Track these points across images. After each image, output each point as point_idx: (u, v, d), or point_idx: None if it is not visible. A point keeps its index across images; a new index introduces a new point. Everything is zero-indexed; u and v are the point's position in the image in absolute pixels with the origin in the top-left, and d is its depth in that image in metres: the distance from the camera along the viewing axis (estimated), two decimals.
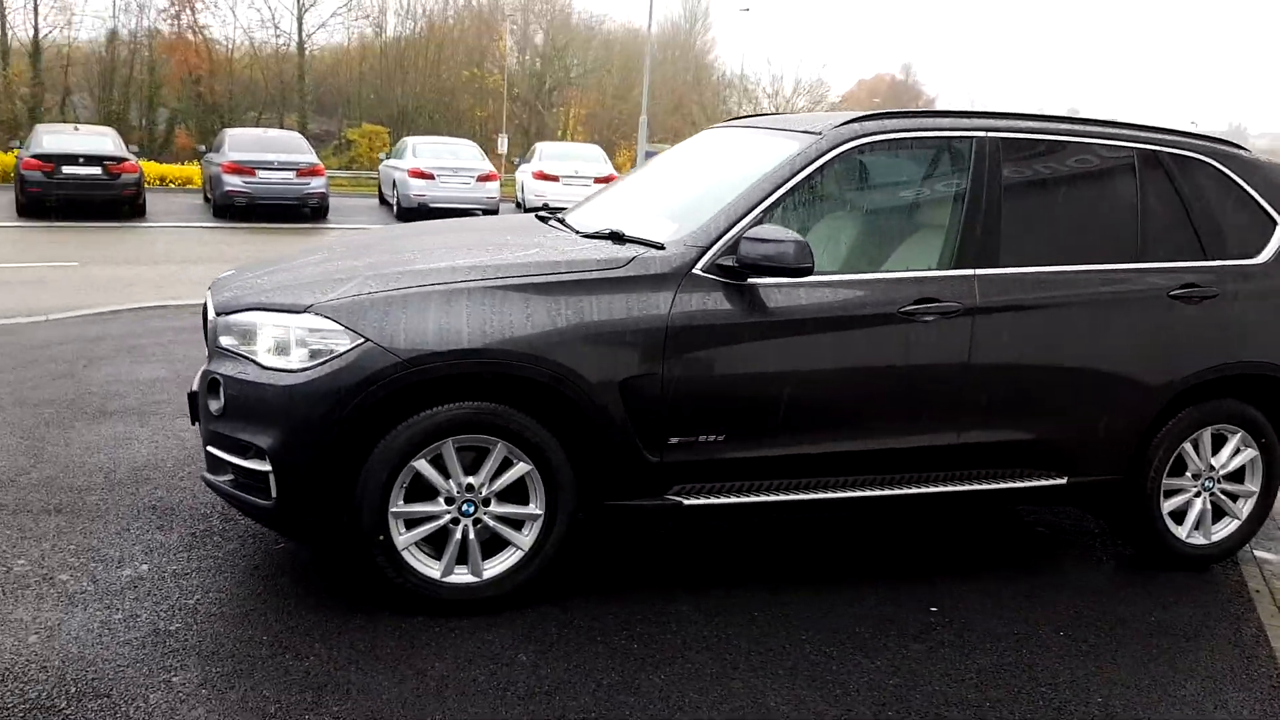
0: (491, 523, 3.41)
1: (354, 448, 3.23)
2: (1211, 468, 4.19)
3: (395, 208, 19.11)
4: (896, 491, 3.77)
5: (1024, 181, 3.95)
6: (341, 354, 3.19)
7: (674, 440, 3.49)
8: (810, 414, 3.63)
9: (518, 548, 3.44)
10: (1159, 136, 4.18)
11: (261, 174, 16.33)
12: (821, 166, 3.69)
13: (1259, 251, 4.19)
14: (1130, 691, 3.22)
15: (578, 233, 3.97)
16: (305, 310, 3.27)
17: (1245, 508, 4.28)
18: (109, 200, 15.71)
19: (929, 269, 3.78)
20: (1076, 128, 4.09)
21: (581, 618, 3.44)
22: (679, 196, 4.02)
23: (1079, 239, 3.98)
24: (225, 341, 3.41)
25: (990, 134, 3.88)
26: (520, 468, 3.38)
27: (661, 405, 3.44)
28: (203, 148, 21.79)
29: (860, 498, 3.74)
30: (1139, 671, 3.35)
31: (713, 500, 3.57)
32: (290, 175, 16.56)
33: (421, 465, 3.28)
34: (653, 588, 3.72)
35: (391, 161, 20.33)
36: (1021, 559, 4.29)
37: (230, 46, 41.13)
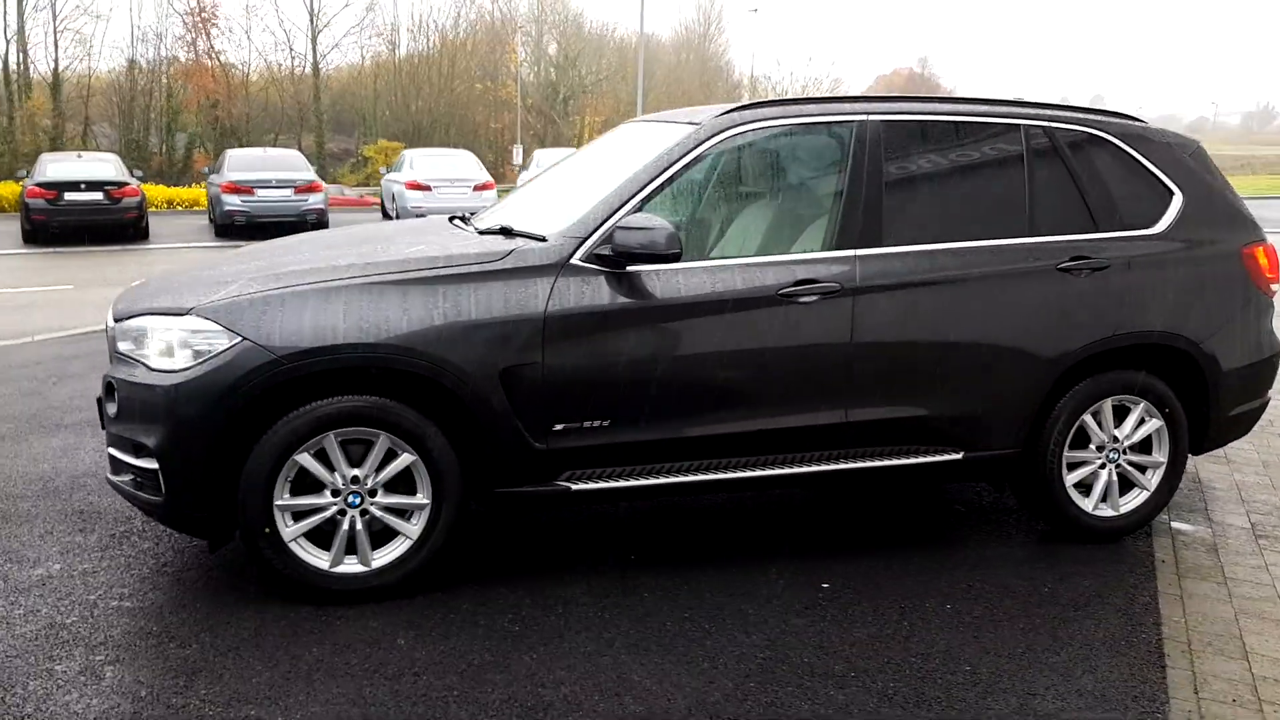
0: (378, 513, 3.52)
1: (236, 443, 3.35)
2: (1115, 439, 4.22)
3: (396, 220, 19.37)
4: (788, 470, 3.84)
5: (908, 163, 4.01)
6: (220, 353, 3.31)
7: (559, 427, 3.58)
8: (695, 397, 3.70)
9: (406, 537, 3.55)
10: (1050, 113, 4.22)
11: (260, 192, 16.68)
12: (699, 156, 3.78)
13: (1155, 221, 4.21)
14: (1001, 659, 3.26)
15: (475, 230, 4.08)
16: (188, 313, 3.40)
17: (1154, 479, 4.29)
18: (111, 224, 16.10)
19: (810, 251, 3.85)
20: (962, 108, 4.14)
21: (469, 603, 3.54)
22: (573, 191, 4.11)
23: (966, 217, 4.02)
24: (122, 347, 3.55)
25: (870, 117, 3.95)
26: (404, 459, 3.49)
27: (544, 393, 3.53)
28: (206, 169, 22.20)
29: (753, 478, 3.81)
30: (1016, 640, 3.39)
31: (601, 485, 3.65)
32: (288, 193, 16.89)
33: (304, 459, 3.40)
34: (549, 572, 3.81)
35: (391, 175, 20.61)
36: (931, 535, 4.33)
37: (246, 70, 41.83)
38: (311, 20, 41.68)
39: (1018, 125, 4.12)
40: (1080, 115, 4.27)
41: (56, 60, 36.96)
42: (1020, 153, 4.09)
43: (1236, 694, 3.09)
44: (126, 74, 38.78)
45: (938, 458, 3.99)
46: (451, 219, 4.59)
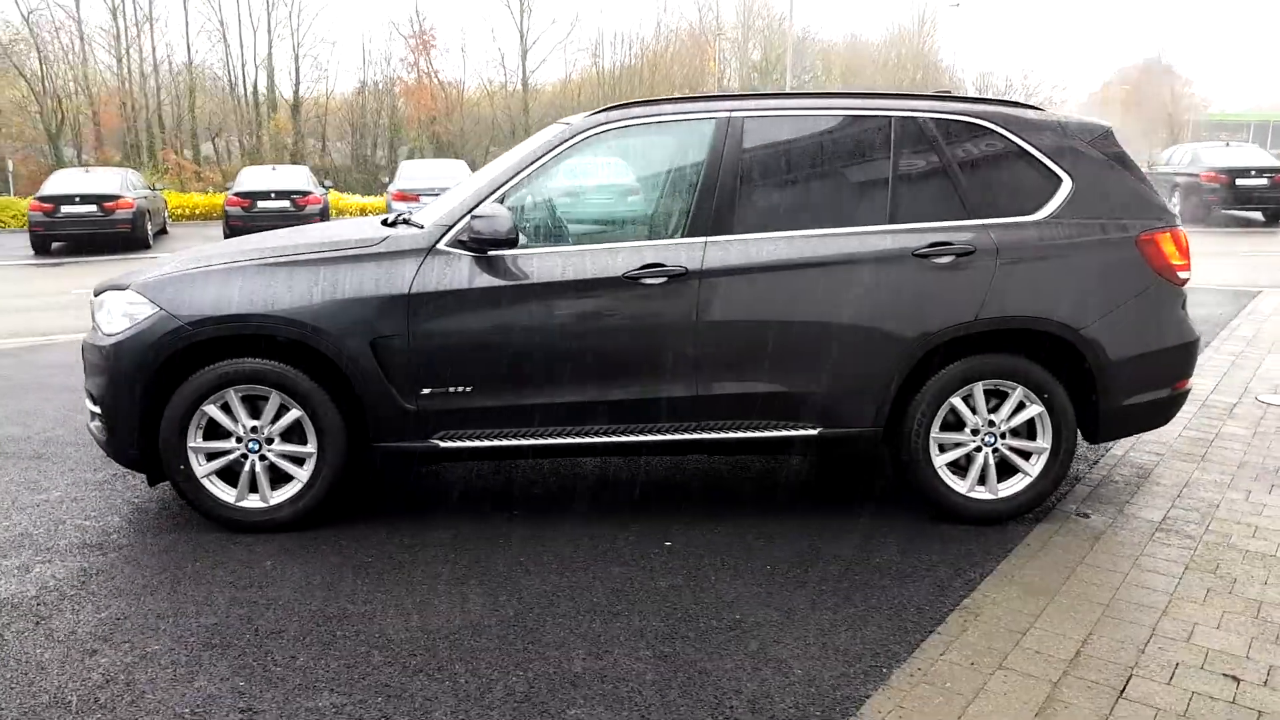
0: (274, 459, 4.18)
1: (158, 395, 4.10)
2: (991, 423, 4.28)
3: None
4: (646, 438, 4.20)
5: (769, 156, 4.27)
6: (143, 320, 4.08)
7: (426, 391, 4.12)
8: (550, 369, 4.13)
9: (298, 480, 4.19)
10: (930, 105, 4.35)
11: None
12: (563, 151, 4.22)
13: (1038, 208, 4.25)
14: (773, 613, 3.50)
15: (383, 223, 4.68)
16: (127, 288, 4.20)
17: (1037, 464, 4.32)
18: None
19: (662, 238, 4.20)
20: (832, 103, 4.35)
21: (346, 539, 4.14)
22: (470, 184, 4.62)
23: (823, 206, 4.24)
24: (95, 315, 4.40)
25: (734, 114, 4.24)
26: (294, 413, 4.13)
27: (410, 361, 4.08)
28: (386, 179, 23.98)
29: (612, 443, 4.20)
30: (806, 601, 3.61)
31: (468, 444, 4.16)
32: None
33: (211, 410, 4.11)
34: (432, 521, 4.34)
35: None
36: (818, 507, 4.53)
37: (462, 87, 44.85)
38: (521, 38, 44.22)
39: (888, 118, 4.29)
40: (964, 106, 4.37)
41: (297, 84, 41.15)
42: (887, 144, 4.25)
43: (978, 660, 3.21)
44: (357, 95, 42.61)
45: (794, 432, 4.22)
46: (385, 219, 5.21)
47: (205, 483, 4.18)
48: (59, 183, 18.32)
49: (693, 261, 4.10)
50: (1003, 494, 4.33)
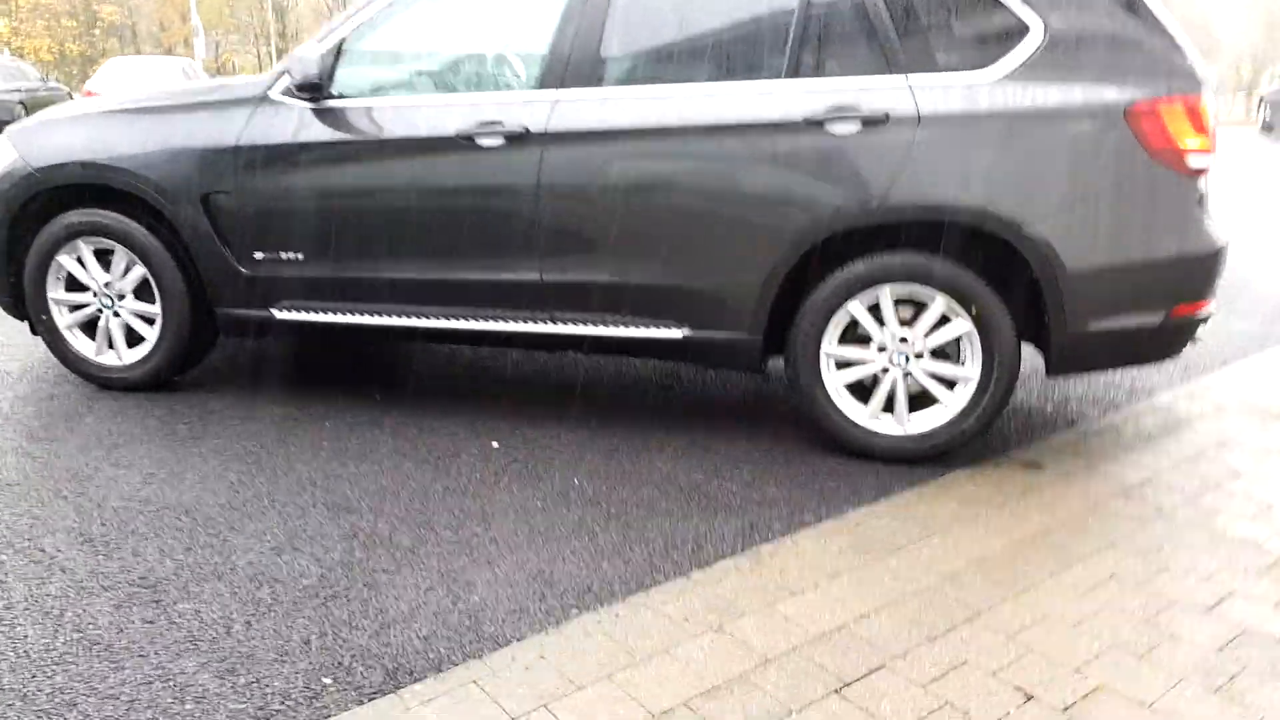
0: (126, 317, 4.03)
1: (20, 241, 4.04)
2: (904, 340, 3.39)
3: None
4: (488, 326, 3.67)
5: None
6: (8, 165, 4.00)
7: (259, 256, 3.80)
8: (386, 239, 3.68)
9: (148, 339, 4.02)
10: None
11: None
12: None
13: (990, 63, 3.25)
14: (520, 528, 2.94)
15: None
16: (3, 135, 4.14)
17: (959, 396, 3.39)
18: None
19: (508, 89, 3.58)
20: None
21: (185, 405, 3.94)
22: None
23: (704, 57, 3.44)
24: None
25: None
26: (139, 270, 3.95)
27: (240, 221, 3.77)
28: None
29: (451, 330, 3.71)
30: (565, 520, 3.01)
31: (302, 316, 3.81)
32: None
33: (66, 260, 4.00)
34: (284, 396, 4.06)
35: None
36: (697, 422, 3.83)
37: None
38: None
39: None
40: None
41: None
42: None
43: (693, 617, 2.51)
44: None
45: (656, 332, 3.54)
46: None
47: (67, 334, 4.10)
48: None
49: (536, 121, 3.47)
50: (913, 429, 3.44)
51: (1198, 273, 3.29)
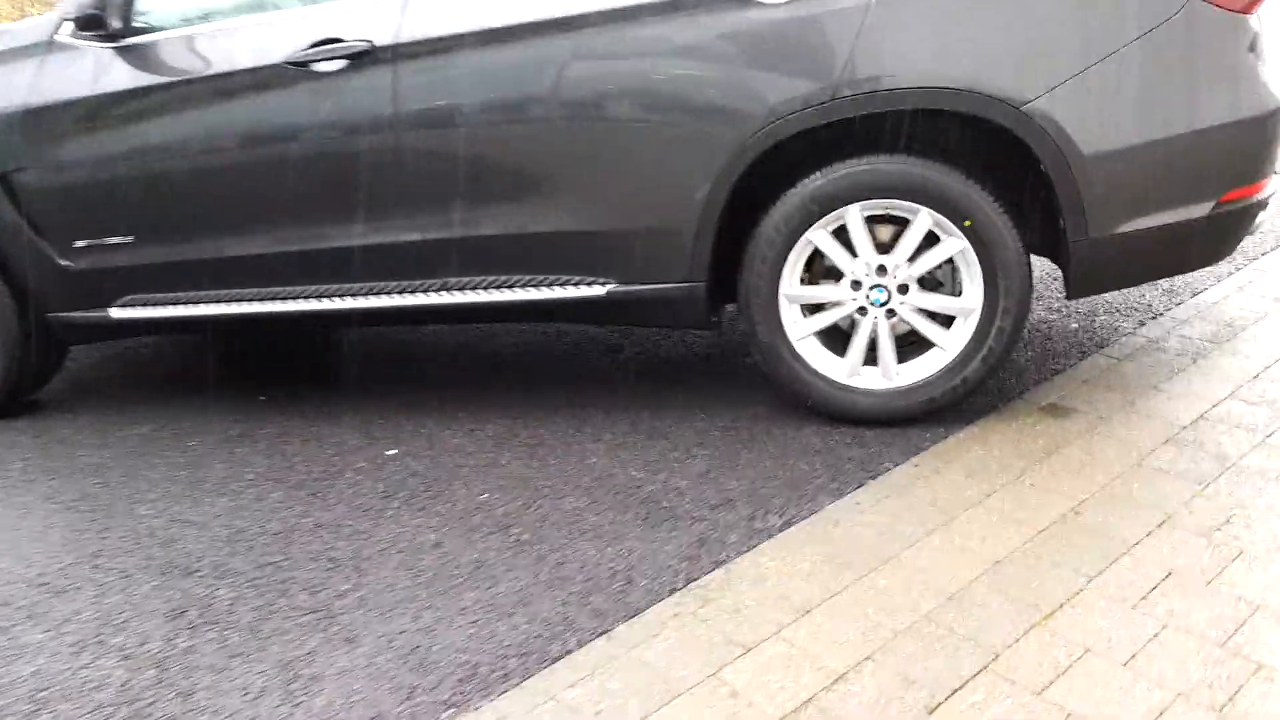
0: None
1: None
2: (883, 270, 2.65)
3: None
4: (370, 304, 2.95)
5: None
6: None
7: (81, 244, 3.07)
8: (225, 206, 2.94)
9: None
10: None
11: None
12: None
13: None
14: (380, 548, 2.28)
15: None
16: None
17: (960, 334, 2.66)
18: None
19: None
20: None
21: (70, 429, 3.24)
22: None
23: None
24: None
25: None
26: None
27: (51, 203, 3.03)
28: None
29: (326, 312, 2.99)
30: (464, 509, 2.35)
31: (146, 313, 3.10)
32: None
33: None
34: (179, 409, 3.37)
35: None
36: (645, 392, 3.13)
37: None
38: None
39: None
40: None
41: None
42: None
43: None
44: None
45: (573, 292, 2.81)
46: None
47: None
48: None
49: (383, 30, 2.69)
50: (903, 382, 2.72)
51: (1254, 142, 2.52)
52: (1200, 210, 2.51)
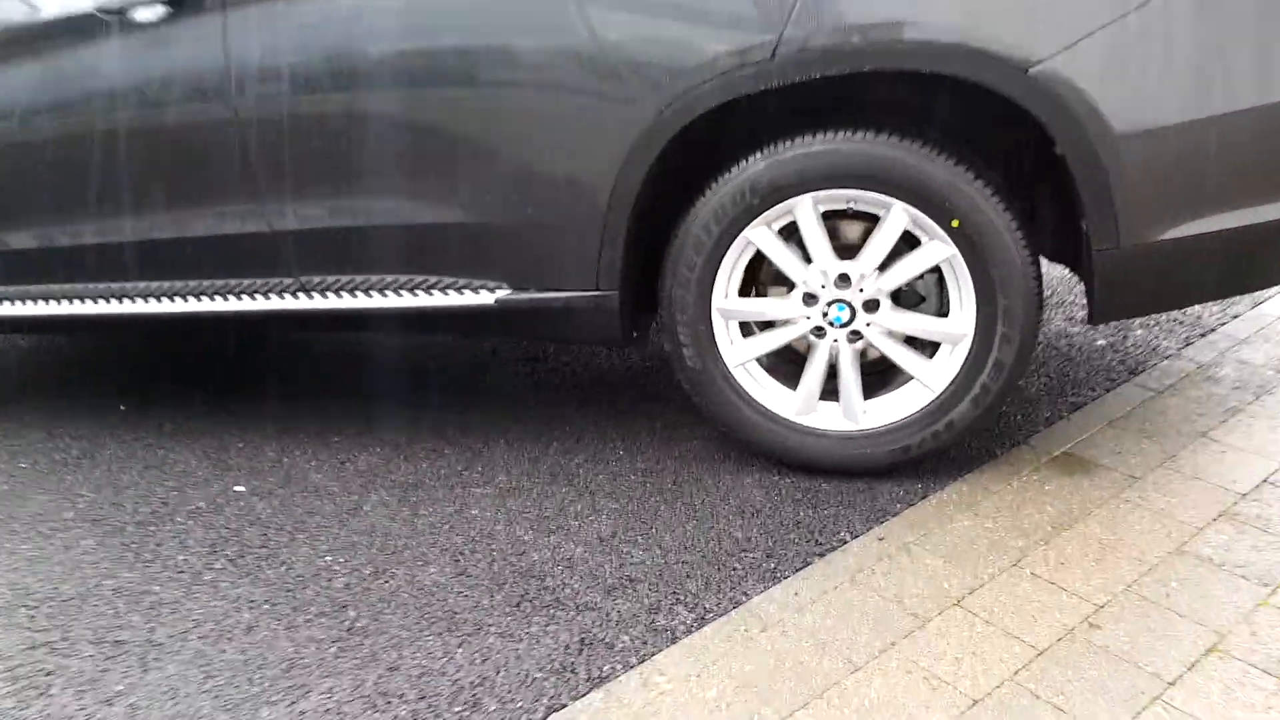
0: None
1: None
2: (844, 279, 2.04)
3: None
4: (213, 307, 2.38)
5: None
6: None
7: None
8: (41, 187, 2.39)
9: None
10: None
11: None
12: None
13: None
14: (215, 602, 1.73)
15: None
16: None
17: (945, 366, 2.05)
18: None
19: None
20: None
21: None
22: None
23: None
24: None
25: None
26: None
27: None
28: None
29: (163, 315, 2.43)
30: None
31: None
32: None
33: None
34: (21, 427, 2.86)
35: None
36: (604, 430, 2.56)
37: None
38: None
39: None
40: None
41: None
42: None
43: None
44: None
45: (457, 300, 2.23)
46: None
47: None
48: None
49: None
50: (871, 423, 2.12)
51: None
52: (1273, 211, 1.87)
